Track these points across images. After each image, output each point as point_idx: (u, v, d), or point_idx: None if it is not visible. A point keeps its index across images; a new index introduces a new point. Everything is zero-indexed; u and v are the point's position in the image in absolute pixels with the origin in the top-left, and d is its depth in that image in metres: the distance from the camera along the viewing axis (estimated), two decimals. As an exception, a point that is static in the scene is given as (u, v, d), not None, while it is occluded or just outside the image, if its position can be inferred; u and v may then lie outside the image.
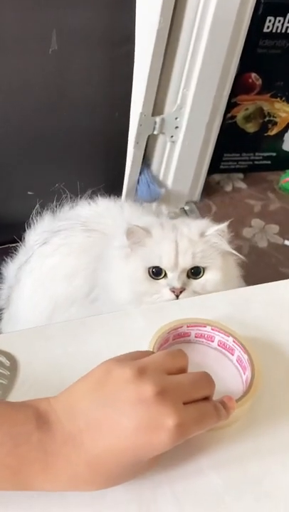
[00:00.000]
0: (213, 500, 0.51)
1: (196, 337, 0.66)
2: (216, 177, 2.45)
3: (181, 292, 0.87)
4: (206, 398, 0.51)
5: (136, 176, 2.01)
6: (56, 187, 1.16)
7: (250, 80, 2.20)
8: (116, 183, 1.14)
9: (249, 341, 0.63)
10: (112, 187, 1.08)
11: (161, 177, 2.12)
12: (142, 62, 1.71)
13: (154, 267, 0.88)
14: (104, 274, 0.95)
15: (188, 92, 1.89)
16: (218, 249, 0.91)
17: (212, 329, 0.65)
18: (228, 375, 0.63)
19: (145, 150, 2.01)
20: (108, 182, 1.12)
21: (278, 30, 2.09)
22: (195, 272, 0.90)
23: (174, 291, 0.87)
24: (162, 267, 0.88)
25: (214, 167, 2.32)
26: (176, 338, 0.66)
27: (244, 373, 0.62)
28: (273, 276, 0.84)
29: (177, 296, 0.87)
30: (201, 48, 1.78)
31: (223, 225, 0.91)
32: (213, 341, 0.66)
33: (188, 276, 0.89)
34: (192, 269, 0.89)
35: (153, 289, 0.89)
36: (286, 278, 0.80)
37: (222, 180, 2.45)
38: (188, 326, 0.65)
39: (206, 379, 0.52)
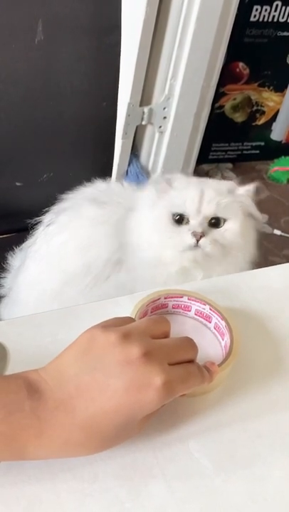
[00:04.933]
0: (202, 481, 0.52)
1: (173, 308, 0.67)
2: (205, 167, 2.45)
3: (201, 237, 0.90)
4: (190, 361, 0.53)
5: (124, 167, 2.01)
6: (45, 177, 1.16)
7: (238, 70, 2.21)
8: (105, 173, 1.14)
9: (229, 311, 0.64)
10: (101, 177, 1.08)
11: (150, 167, 2.12)
12: (129, 52, 1.70)
13: (177, 214, 0.91)
14: (130, 224, 0.97)
15: (176, 82, 1.89)
16: (242, 209, 0.93)
17: (188, 299, 0.66)
18: (207, 342, 0.64)
19: (133, 140, 2.01)
20: (97, 172, 1.12)
21: (265, 19, 2.09)
22: (216, 223, 0.92)
23: (195, 236, 0.90)
24: (186, 212, 0.91)
25: (203, 157, 2.32)
26: (155, 310, 0.67)
27: (222, 339, 0.63)
28: (263, 265, 0.85)
29: (197, 241, 0.90)
30: (188, 37, 1.78)
31: (253, 186, 0.94)
32: (190, 311, 0.67)
33: (209, 225, 0.92)
34: (214, 219, 0.91)
35: (175, 233, 0.91)
36: (275, 266, 0.81)
37: (211, 170, 2.45)
38: (165, 298, 0.66)
39: (189, 342, 0.54)
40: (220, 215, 0.91)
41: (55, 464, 0.50)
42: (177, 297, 0.67)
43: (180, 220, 0.92)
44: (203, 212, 0.90)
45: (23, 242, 1.09)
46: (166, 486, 0.51)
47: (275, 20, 2.09)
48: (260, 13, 2.06)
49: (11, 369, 0.59)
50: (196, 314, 0.67)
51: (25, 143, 1.13)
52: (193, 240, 0.90)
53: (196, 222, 0.91)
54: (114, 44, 1.09)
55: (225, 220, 0.92)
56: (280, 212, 2.28)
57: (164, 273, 0.94)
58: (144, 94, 1.90)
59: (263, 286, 0.76)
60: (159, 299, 0.66)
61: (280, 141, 2.50)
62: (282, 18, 2.09)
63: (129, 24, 1.61)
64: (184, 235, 0.91)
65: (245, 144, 2.46)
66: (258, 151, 2.49)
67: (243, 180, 0.97)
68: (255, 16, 2.07)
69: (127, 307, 0.67)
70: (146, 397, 0.47)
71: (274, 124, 2.44)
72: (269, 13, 2.07)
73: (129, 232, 0.97)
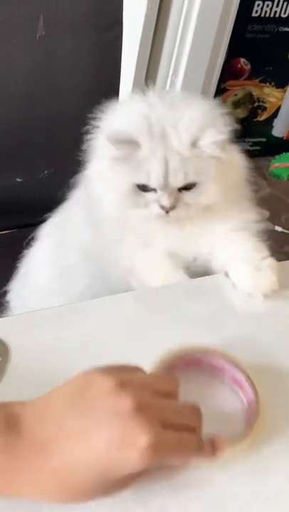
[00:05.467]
0: (205, 480, 0.51)
1: (208, 367, 0.63)
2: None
3: (171, 209, 0.79)
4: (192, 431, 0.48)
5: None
6: (46, 174, 1.16)
7: (239, 65, 2.19)
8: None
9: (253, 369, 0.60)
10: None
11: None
12: (130, 48, 1.70)
13: (142, 184, 0.79)
14: (89, 173, 0.88)
15: (177, 78, 1.88)
16: (215, 162, 0.79)
17: (225, 362, 0.62)
18: (236, 412, 0.60)
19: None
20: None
21: (267, 15, 2.07)
22: (187, 187, 0.79)
23: (163, 209, 0.79)
24: (151, 186, 0.79)
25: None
26: (186, 365, 0.62)
27: (250, 414, 0.58)
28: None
29: (167, 212, 0.80)
30: (190, 33, 1.77)
31: (222, 137, 0.77)
32: (224, 374, 0.62)
33: (180, 190, 0.80)
34: (184, 185, 0.79)
35: (141, 203, 0.80)
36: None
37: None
38: (199, 354, 0.62)
39: (192, 409, 0.50)
40: (192, 181, 0.79)
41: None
42: (212, 357, 0.62)
43: (145, 188, 0.80)
44: (170, 184, 0.78)
45: (24, 238, 1.08)
46: (169, 485, 0.51)
47: (277, 15, 2.08)
48: (261, 8, 2.05)
49: (12, 366, 0.59)
50: (230, 380, 0.62)
51: (26, 139, 1.13)
52: (162, 212, 0.80)
53: (163, 193, 0.78)
54: (115, 39, 1.09)
55: (198, 183, 0.79)
56: (281, 209, 2.27)
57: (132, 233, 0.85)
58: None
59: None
60: (192, 354, 0.62)
61: (282, 138, 2.49)
62: (284, 13, 2.08)
63: (131, 20, 1.60)
64: (152, 206, 0.80)
65: (246, 140, 2.44)
66: (259, 148, 2.48)
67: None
68: (256, 12, 2.06)
69: (130, 304, 0.67)
70: (127, 456, 0.43)
71: (275, 120, 2.43)
72: (271, 9, 2.05)
73: (92, 196, 0.87)
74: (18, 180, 1.15)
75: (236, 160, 0.86)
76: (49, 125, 1.13)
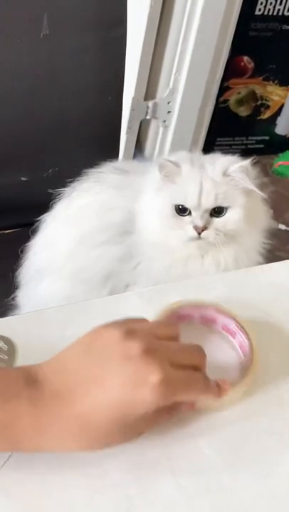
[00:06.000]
0: (212, 479, 0.51)
1: (199, 319, 0.66)
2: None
3: (203, 230, 0.93)
4: (197, 370, 0.52)
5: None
6: (50, 172, 1.16)
7: (243, 64, 2.19)
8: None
9: (247, 322, 0.63)
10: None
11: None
12: (133, 46, 1.70)
13: (180, 205, 0.93)
14: (137, 204, 0.99)
15: (181, 76, 1.89)
16: (241, 188, 0.93)
17: (216, 311, 0.65)
18: (228, 358, 0.63)
19: (138, 135, 2.01)
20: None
21: (270, 13, 2.07)
22: (218, 211, 0.93)
23: (196, 229, 0.92)
24: (187, 206, 0.93)
25: (207, 151, 2.30)
26: (179, 320, 0.65)
27: (243, 356, 0.62)
28: (269, 261, 0.85)
29: (199, 234, 0.93)
30: (193, 31, 1.77)
31: (246, 162, 0.93)
32: (216, 324, 0.66)
33: (211, 215, 0.93)
34: (216, 208, 0.93)
35: (178, 225, 0.94)
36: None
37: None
38: (191, 308, 0.65)
39: (196, 349, 0.53)
40: (221, 204, 0.92)
41: (64, 460, 0.50)
42: (204, 308, 0.65)
43: (183, 210, 0.94)
44: (203, 205, 0.92)
45: (28, 237, 1.09)
46: (175, 482, 0.51)
47: (280, 13, 2.08)
48: (264, 6, 2.05)
49: (19, 364, 0.59)
50: (222, 328, 0.65)
51: (30, 137, 1.13)
52: (195, 233, 0.93)
53: (197, 215, 0.92)
54: (119, 38, 1.09)
55: (227, 208, 0.93)
56: (284, 207, 2.27)
57: (168, 256, 0.97)
58: (149, 89, 1.89)
59: (270, 282, 0.75)
60: (183, 308, 0.65)
61: (285, 136, 2.49)
62: (288, 11, 2.08)
63: (134, 18, 1.60)
64: (187, 227, 0.93)
65: (249, 138, 2.45)
66: (262, 146, 2.48)
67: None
68: (260, 10, 2.06)
69: (135, 304, 0.67)
70: (141, 394, 0.46)
71: (279, 118, 2.43)
72: (274, 7, 2.05)
73: (137, 213, 0.99)
74: (22, 179, 1.15)
75: (259, 200, 1.00)
76: (53, 124, 1.13)
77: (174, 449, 0.53)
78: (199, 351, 0.53)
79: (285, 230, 2.15)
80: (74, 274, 1.02)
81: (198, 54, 1.83)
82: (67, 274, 1.02)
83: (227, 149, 2.43)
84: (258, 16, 2.07)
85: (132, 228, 0.99)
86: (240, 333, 0.62)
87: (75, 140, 1.17)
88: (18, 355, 0.60)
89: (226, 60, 1.95)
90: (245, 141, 2.44)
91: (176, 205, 0.94)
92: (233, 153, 2.49)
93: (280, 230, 2.14)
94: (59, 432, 0.46)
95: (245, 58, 2.18)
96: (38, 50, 1.05)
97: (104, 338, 0.49)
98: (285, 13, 2.08)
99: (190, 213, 0.93)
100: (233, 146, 2.43)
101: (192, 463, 0.52)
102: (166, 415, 0.53)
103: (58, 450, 0.48)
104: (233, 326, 0.64)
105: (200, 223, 0.92)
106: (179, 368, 0.49)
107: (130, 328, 0.50)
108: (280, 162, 2.40)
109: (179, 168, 0.93)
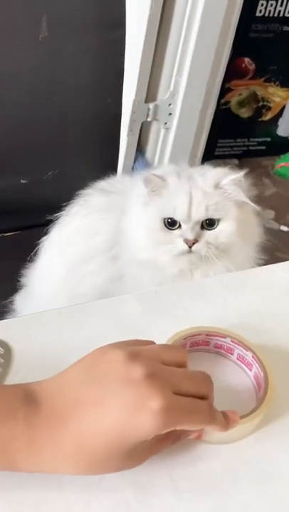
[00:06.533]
0: (210, 481, 0.51)
1: (215, 347, 0.63)
2: (211, 163, 2.44)
3: (194, 244, 0.89)
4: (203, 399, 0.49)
5: (130, 164, 2.00)
6: (50, 175, 1.16)
7: (244, 65, 2.19)
8: (110, 170, 1.13)
9: (263, 353, 0.60)
10: (107, 173, 1.07)
11: (155, 164, 2.11)
12: (134, 48, 1.69)
13: (169, 218, 0.90)
14: (124, 222, 0.97)
15: (181, 78, 1.88)
16: (234, 200, 0.91)
17: (232, 341, 0.62)
18: (245, 391, 0.60)
19: (139, 137, 2.00)
20: (102, 168, 1.10)
21: (271, 14, 2.07)
22: (209, 223, 0.90)
23: (187, 242, 0.89)
24: (176, 218, 0.90)
25: (209, 153, 2.31)
26: (194, 346, 0.63)
27: (259, 390, 0.59)
28: (270, 262, 0.84)
29: (190, 247, 0.90)
30: (193, 33, 1.77)
31: (239, 175, 0.90)
32: (232, 354, 0.63)
33: (202, 228, 0.91)
34: (207, 220, 0.90)
35: (167, 239, 0.91)
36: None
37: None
38: (206, 335, 0.62)
39: (203, 376, 0.50)
40: (212, 216, 0.90)
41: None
42: (220, 336, 0.62)
43: (172, 223, 0.91)
44: (193, 217, 0.89)
45: (29, 239, 1.09)
46: (173, 486, 0.50)
47: (281, 14, 2.08)
48: (265, 8, 2.05)
49: (16, 368, 0.59)
50: (238, 359, 0.62)
51: (30, 140, 1.13)
52: (185, 247, 0.90)
53: (187, 227, 0.89)
54: (118, 40, 1.08)
55: (219, 220, 0.90)
56: (286, 208, 2.27)
57: (159, 275, 0.94)
58: (150, 91, 1.89)
59: (268, 284, 0.75)
60: (199, 334, 0.62)
61: (287, 137, 2.49)
62: (288, 12, 2.08)
63: (134, 20, 1.60)
64: (177, 241, 0.90)
65: (251, 139, 2.44)
66: (264, 147, 2.47)
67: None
68: (260, 11, 2.06)
69: (133, 305, 0.67)
70: (141, 420, 0.44)
71: (280, 120, 2.43)
72: (275, 8, 2.05)
73: (123, 232, 0.96)
74: (22, 181, 1.15)
75: (252, 213, 0.96)
76: (53, 126, 1.13)
77: (171, 453, 0.52)
78: (206, 379, 0.50)
79: (287, 232, 2.14)
80: (68, 298, 1.01)
81: (198, 56, 1.82)
82: (62, 299, 1.02)
83: (229, 151, 2.43)
84: (258, 17, 2.07)
85: (120, 250, 0.98)
86: (256, 364, 0.60)
87: (74, 142, 1.17)
88: (15, 358, 0.60)
89: (226, 62, 1.94)
90: (246, 143, 2.44)
91: (164, 219, 0.91)
92: (235, 154, 2.50)
93: (281, 231, 2.14)
94: (54, 453, 0.45)
95: (246, 60, 2.18)
96: (37, 52, 1.05)
97: (107, 358, 0.48)
98: (286, 14, 2.08)
99: (180, 226, 0.90)
100: (235, 148, 2.43)
101: (190, 466, 0.52)
102: (169, 444, 0.51)
103: (54, 472, 0.47)
104: (249, 357, 0.61)
105: (190, 236, 0.89)
106: (183, 396, 0.47)
107: (135, 350, 0.48)
108: (282, 164, 2.40)
109: (165, 182, 0.91)
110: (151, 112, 1.93)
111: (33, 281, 1.09)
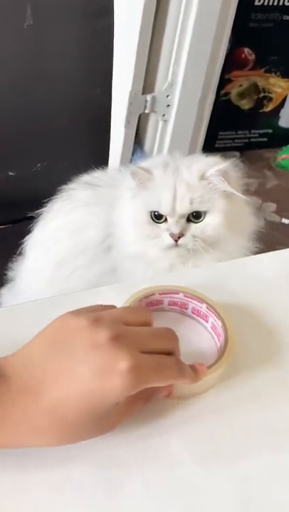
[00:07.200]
0: (184, 479, 0.49)
1: (169, 305, 0.64)
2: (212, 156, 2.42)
3: (179, 238, 0.89)
4: (170, 354, 0.50)
5: (128, 157, 1.98)
6: (38, 167, 1.14)
7: (243, 55, 2.17)
8: (101, 162, 1.11)
9: (223, 307, 0.61)
10: (97, 165, 1.05)
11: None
12: (129, 38, 1.68)
13: (155, 211, 0.90)
14: (114, 215, 0.96)
15: (179, 68, 1.86)
16: (220, 191, 0.89)
17: (185, 296, 0.63)
18: (204, 342, 0.61)
19: (137, 129, 1.98)
20: (92, 161, 1.08)
21: (270, 3, 2.05)
22: (196, 216, 0.89)
23: (172, 236, 0.89)
24: (161, 212, 0.89)
25: (209, 146, 2.29)
26: (149, 307, 0.64)
27: (218, 340, 0.60)
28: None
29: (176, 241, 0.89)
30: (191, 21, 1.75)
31: (225, 165, 0.88)
32: (186, 309, 0.64)
33: (189, 220, 0.89)
34: (193, 212, 0.89)
35: (154, 233, 0.91)
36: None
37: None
38: (160, 294, 0.63)
39: (167, 332, 0.51)
40: (198, 209, 0.88)
41: (27, 461, 0.48)
42: (173, 293, 0.63)
43: (159, 216, 0.90)
44: (177, 211, 0.88)
45: (18, 233, 1.07)
46: (145, 485, 0.48)
47: (281, 3, 2.05)
48: (265, -4, 2.02)
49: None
50: (192, 312, 0.64)
51: (17, 131, 1.11)
52: (172, 241, 0.89)
53: (172, 221, 0.89)
54: (106, 28, 1.06)
55: (206, 213, 0.89)
56: (288, 201, 2.24)
57: (149, 269, 0.93)
58: (147, 82, 1.87)
59: (255, 274, 0.73)
60: (153, 294, 0.63)
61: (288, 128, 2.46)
62: (288, 1, 2.05)
63: (128, 8, 1.58)
64: (163, 235, 0.90)
65: (252, 131, 2.42)
66: (265, 139, 2.44)
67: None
68: (259, 0, 2.03)
69: (110, 296, 0.65)
70: (111, 382, 0.44)
71: (282, 111, 2.40)
72: (274, -3, 2.03)
73: (114, 225, 0.96)
74: (10, 174, 1.13)
75: (242, 203, 0.95)
76: (40, 117, 1.10)
77: (142, 449, 0.51)
78: (171, 335, 0.51)
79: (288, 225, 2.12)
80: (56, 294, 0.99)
81: (196, 46, 1.80)
82: (50, 295, 1.00)
83: (230, 143, 2.40)
84: (258, 6, 2.04)
85: (112, 243, 0.97)
86: (213, 315, 0.61)
87: (63, 134, 1.15)
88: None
89: (225, 52, 1.91)
90: (248, 135, 2.41)
91: (151, 212, 0.90)
92: (236, 147, 2.48)
93: (283, 224, 2.11)
94: (26, 426, 0.45)
95: (246, 50, 2.15)
96: (23, 41, 1.03)
97: (70, 327, 0.47)
98: (286, 3, 2.06)
99: (166, 220, 0.90)
100: (236, 140, 2.40)
101: (162, 463, 0.50)
102: (140, 405, 0.51)
103: (29, 445, 0.46)
104: (204, 309, 0.62)
105: (175, 230, 0.88)
106: (150, 354, 0.47)
107: (97, 315, 0.48)
108: (284, 156, 2.37)
109: (150, 174, 0.90)
110: (148, 104, 1.91)
111: (20, 279, 1.07)
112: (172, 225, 0.88)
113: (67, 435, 0.46)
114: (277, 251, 0.78)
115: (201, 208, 0.88)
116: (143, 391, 0.46)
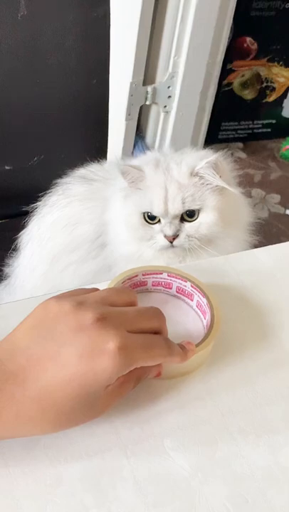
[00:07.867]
0: (178, 483, 0.47)
1: (153, 285, 0.64)
2: (215, 147, 2.39)
3: (174, 239, 0.87)
4: (157, 333, 0.50)
5: (130, 149, 1.96)
6: (35, 160, 1.12)
7: (245, 45, 2.14)
8: (98, 154, 1.09)
9: (203, 284, 0.61)
10: (95, 158, 1.04)
11: (156, 149, 2.07)
12: (128, 27, 1.65)
13: (147, 212, 0.88)
14: (107, 215, 0.94)
15: (180, 59, 1.83)
16: (212, 187, 0.86)
17: (169, 276, 0.63)
18: (190, 321, 0.61)
19: (138, 121, 1.96)
20: (90, 153, 1.07)
21: (272, -9, 2.02)
22: (190, 215, 0.87)
23: (167, 238, 0.87)
24: (154, 213, 0.87)
25: (212, 137, 2.27)
26: (133, 288, 0.63)
27: (204, 318, 0.60)
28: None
29: (171, 242, 0.87)
30: (191, 11, 1.72)
31: (214, 157, 0.86)
32: (171, 288, 0.64)
33: (183, 220, 0.87)
34: (186, 211, 0.87)
35: (148, 235, 0.89)
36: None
37: (221, 151, 2.39)
38: (143, 275, 0.63)
39: (154, 311, 0.51)
40: (191, 207, 0.86)
41: (15, 465, 0.47)
42: (156, 274, 0.63)
43: (152, 217, 0.88)
44: (170, 212, 0.86)
45: (15, 227, 1.06)
46: (137, 489, 0.47)
47: (283, -9, 2.02)
48: (266, -16, 1.99)
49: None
50: (177, 292, 0.63)
51: (13, 124, 1.09)
52: (166, 242, 0.87)
53: (166, 222, 0.87)
54: (102, 17, 1.04)
55: (199, 210, 0.87)
56: (292, 192, 2.22)
57: None
58: (147, 73, 1.85)
59: (250, 268, 0.71)
60: (136, 275, 0.62)
61: (292, 118, 2.43)
62: (290, -11, 2.02)
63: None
64: (157, 236, 0.88)
65: (255, 122, 2.39)
66: (269, 129, 2.41)
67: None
68: (261, -12, 2.00)
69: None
70: (100, 363, 0.44)
71: (285, 101, 2.37)
72: (276, -16, 1.99)
73: (107, 225, 0.94)
74: (6, 167, 1.12)
75: (237, 197, 0.92)
76: (36, 110, 1.09)
77: (135, 452, 0.49)
78: (157, 313, 0.51)
79: (292, 216, 2.09)
80: (49, 291, 0.98)
81: (197, 35, 1.78)
82: (44, 292, 0.99)
83: (233, 134, 2.37)
84: (259, -6, 2.01)
85: (106, 239, 0.95)
86: (198, 293, 0.60)
87: (59, 126, 1.13)
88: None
89: (227, 41, 1.89)
90: (251, 126, 2.38)
91: (143, 213, 0.88)
92: (239, 137, 2.45)
93: (287, 215, 2.09)
94: (16, 415, 0.44)
95: (248, 39, 2.12)
96: (17, 32, 1.01)
97: (54, 311, 0.47)
98: (288, -10, 2.02)
99: (159, 221, 0.88)
100: (239, 131, 2.38)
101: (155, 467, 0.49)
102: (131, 386, 0.50)
103: (20, 435, 0.46)
104: (188, 287, 0.61)
105: (169, 232, 0.86)
106: (138, 333, 0.47)
107: (80, 298, 0.48)
108: (288, 146, 2.34)
109: (142, 172, 0.87)
110: (149, 95, 1.89)
111: (16, 275, 1.06)
112: (166, 226, 0.87)
113: (60, 422, 0.45)
114: (274, 245, 0.77)
115: (193, 207, 0.86)
116: (133, 372, 0.46)
